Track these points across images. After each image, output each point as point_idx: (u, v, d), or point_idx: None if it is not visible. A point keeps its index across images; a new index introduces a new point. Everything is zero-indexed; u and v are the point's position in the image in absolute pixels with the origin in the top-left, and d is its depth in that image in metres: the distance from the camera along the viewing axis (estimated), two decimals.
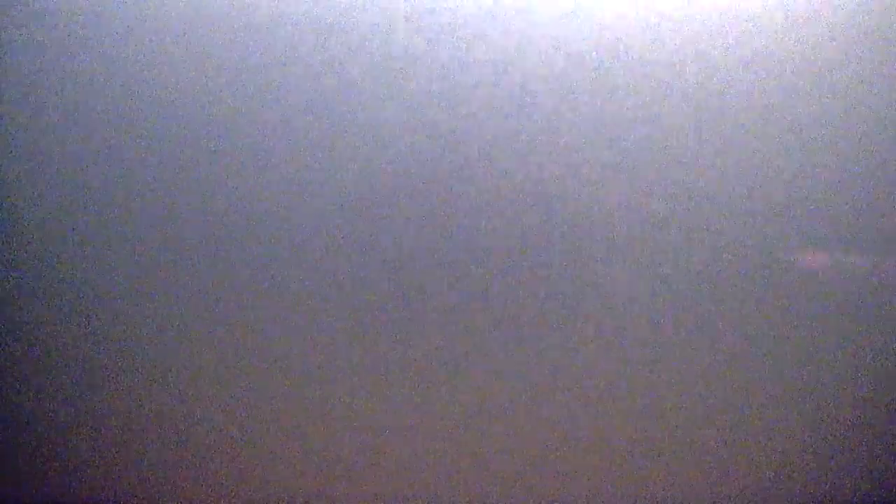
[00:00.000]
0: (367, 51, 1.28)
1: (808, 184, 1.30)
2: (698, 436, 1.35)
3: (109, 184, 1.29)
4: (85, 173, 1.31)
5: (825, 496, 1.36)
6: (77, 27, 1.31)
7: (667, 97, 1.28)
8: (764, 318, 1.31)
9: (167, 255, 1.32)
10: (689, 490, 1.36)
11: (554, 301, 1.31)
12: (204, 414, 1.34)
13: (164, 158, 1.30)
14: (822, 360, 1.32)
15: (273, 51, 1.29)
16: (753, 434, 1.34)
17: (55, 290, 1.31)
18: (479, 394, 1.34)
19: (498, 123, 1.28)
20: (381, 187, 1.31)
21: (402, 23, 1.30)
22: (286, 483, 1.38)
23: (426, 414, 1.34)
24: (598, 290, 1.33)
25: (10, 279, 1.34)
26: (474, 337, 1.33)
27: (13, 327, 1.36)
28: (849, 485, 1.36)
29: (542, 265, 1.31)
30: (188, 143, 1.29)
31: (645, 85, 1.27)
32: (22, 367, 1.33)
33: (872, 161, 1.30)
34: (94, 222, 1.31)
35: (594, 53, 1.29)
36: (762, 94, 1.29)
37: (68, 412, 1.34)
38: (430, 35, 1.29)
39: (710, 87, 1.29)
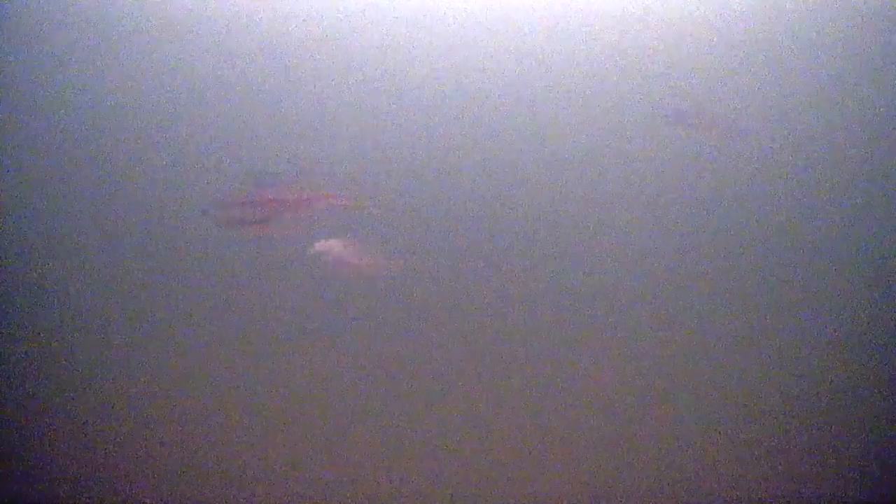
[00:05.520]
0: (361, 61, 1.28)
1: (808, 183, 1.30)
2: (697, 434, 1.35)
3: (116, 197, 1.30)
4: (88, 182, 1.31)
5: (825, 496, 1.36)
6: (75, 29, 1.32)
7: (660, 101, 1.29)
8: (761, 318, 1.31)
9: (170, 256, 1.32)
10: (689, 489, 1.37)
11: (551, 305, 1.32)
12: (204, 418, 1.34)
13: (169, 162, 1.30)
14: (820, 359, 1.32)
15: (278, 55, 1.30)
16: (752, 433, 1.34)
17: (54, 294, 1.31)
18: (477, 395, 1.34)
19: (496, 127, 1.28)
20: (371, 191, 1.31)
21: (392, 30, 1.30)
22: (285, 484, 1.38)
23: (418, 415, 1.34)
24: (597, 291, 1.33)
25: (9, 280, 1.34)
26: (473, 338, 1.34)
27: (12, 329, 1.37)
28: (849, 485, 1.36)
29: (541, 270, 1.31)
30: (191, 142, 1.29)
31: (644, 89, 1.28)
32: (20, 370, 1.33)
33: (871, 161, 1.30)
34: (94, 226, 1.31)
35: (591, 58, 1.29)
36: (762, 96, 1.30)
37: (65, 415, 1.34)
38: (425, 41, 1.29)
39: (713, 91, 1.29)
